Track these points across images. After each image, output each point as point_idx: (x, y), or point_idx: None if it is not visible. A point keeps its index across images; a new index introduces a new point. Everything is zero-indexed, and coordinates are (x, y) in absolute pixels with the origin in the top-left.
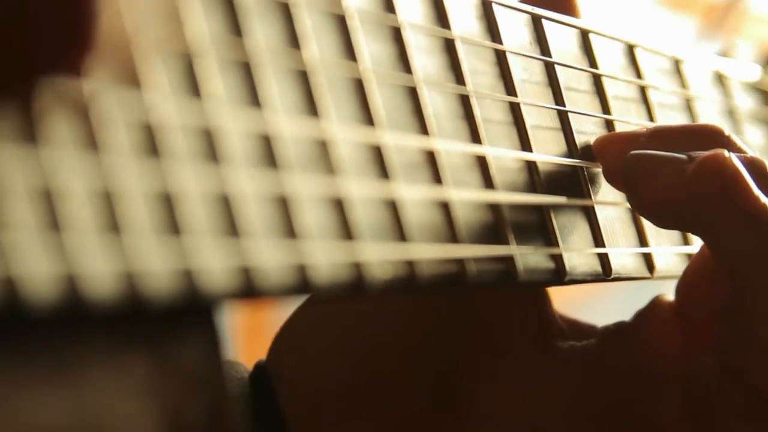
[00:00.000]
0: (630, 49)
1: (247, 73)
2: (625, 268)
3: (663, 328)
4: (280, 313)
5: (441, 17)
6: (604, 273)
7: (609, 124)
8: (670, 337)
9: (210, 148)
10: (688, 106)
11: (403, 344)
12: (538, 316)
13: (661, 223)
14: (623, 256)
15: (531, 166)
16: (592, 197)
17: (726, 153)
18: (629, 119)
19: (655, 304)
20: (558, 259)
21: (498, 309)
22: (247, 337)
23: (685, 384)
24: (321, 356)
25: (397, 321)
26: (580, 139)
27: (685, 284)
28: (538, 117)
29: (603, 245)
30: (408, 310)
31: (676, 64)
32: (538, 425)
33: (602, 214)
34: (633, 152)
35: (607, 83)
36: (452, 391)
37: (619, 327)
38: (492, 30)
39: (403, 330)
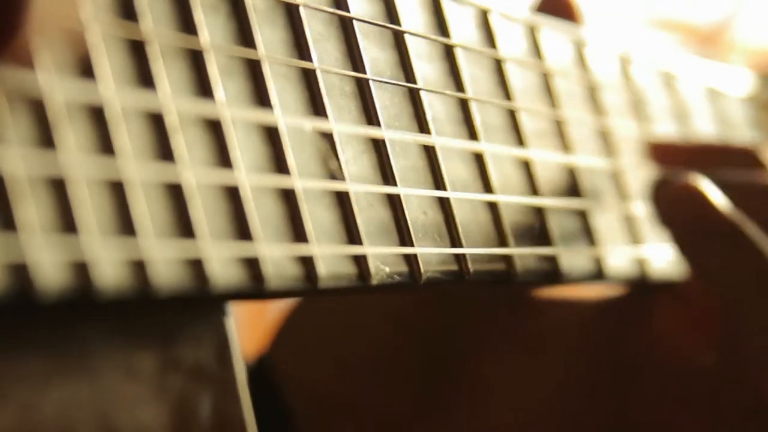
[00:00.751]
0: (623, 61)
1: (252, 73)
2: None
3: (667, 316)
4: (278, 303)
5: (441, 25)
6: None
7: (603, 133)
8: (673, 326)
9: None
10: (680, 116)
11: (396, 344)
12: (518, 302)
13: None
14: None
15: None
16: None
17: (698, 182)
18: (624, 126)
19: (660, 293)
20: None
21: (479, 305)
22: (246, 325)
23: (687, 376)
24: (319, 352)
25: (391, 321)
26: (576, 147)
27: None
28: (536, 124)
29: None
30: (400, 312)
31: (668, 76)
32: (535, 411)
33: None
34: (658, 177)
35: (600, 92)
36: (440, 391)
37: (618, 302)
38: (490, 38)
39: (395, 330)
